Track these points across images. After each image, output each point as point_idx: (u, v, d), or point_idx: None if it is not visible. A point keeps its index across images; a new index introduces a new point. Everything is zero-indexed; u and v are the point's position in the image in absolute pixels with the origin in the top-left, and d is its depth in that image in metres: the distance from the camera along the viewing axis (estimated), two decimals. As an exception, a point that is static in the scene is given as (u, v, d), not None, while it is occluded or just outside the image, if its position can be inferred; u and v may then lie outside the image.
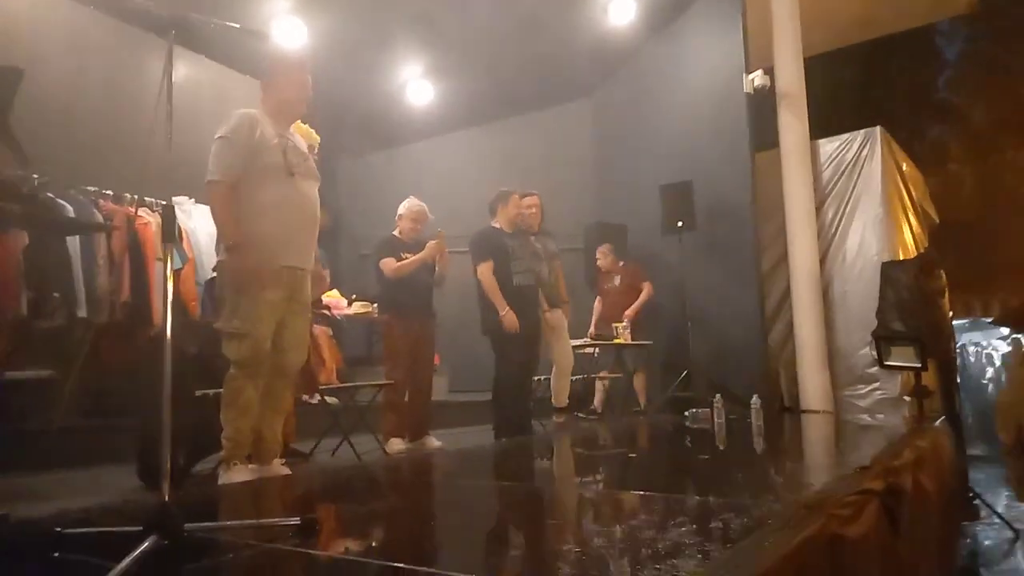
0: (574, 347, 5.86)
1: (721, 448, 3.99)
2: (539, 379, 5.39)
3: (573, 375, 6.02)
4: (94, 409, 4.33)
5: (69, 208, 4.13)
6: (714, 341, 5.94)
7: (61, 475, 3.37)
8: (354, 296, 5.77)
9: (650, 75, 7.18)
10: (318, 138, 3.60)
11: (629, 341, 5.96)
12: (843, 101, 6.20)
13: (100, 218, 4.37)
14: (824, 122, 6.08)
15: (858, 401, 5.76)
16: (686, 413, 5.13)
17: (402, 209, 4.74)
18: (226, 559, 1.68)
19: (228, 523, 1.91)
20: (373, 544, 1.90)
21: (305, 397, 4.14)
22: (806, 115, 5.94)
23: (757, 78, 5.92)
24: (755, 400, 4.64)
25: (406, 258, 4.53)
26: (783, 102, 5.94)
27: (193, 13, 1.88)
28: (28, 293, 3.79)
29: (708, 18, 6.52)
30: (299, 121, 3.37)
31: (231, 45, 5.31)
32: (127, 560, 1.42)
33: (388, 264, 4.52)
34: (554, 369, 5.24)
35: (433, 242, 4.49)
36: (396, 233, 4.72)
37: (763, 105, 5.96)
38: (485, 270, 4.58)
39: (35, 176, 3.80)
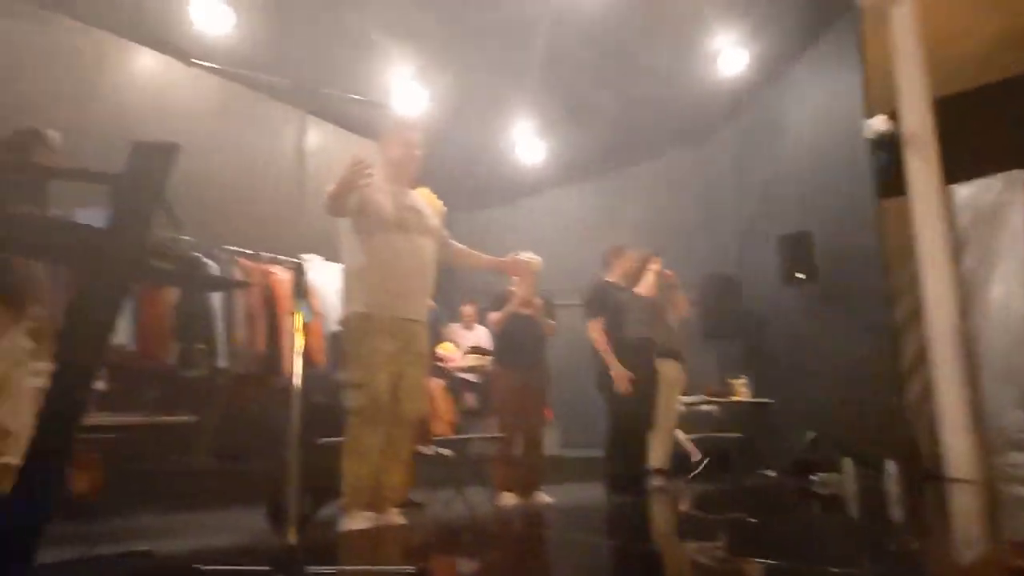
0: (689, 404, 5.69)
1: (853, 516, 3.70)
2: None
3: (691, 434, 5.83)
4: (228, 453, 4.63)
5: (215, 266, 4.52)
6: (841, 400, 5.57)
7: (198, 515, 3.60)
8: (468, 348, 5.89)
9: (762, 123, 7.05)
10: (442, 207, 3.75)
11: (748, 398, 5.71)
12: (982, 142, 5.76)
13: (240, 275, 4.74)
14: (961, 165, 5.68)
15: (1014, 469, 5.19)
16: (812, 477, 4.81)
17: (515, 265, 4.84)
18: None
19: (346, 568, 1.97)
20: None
21: (420, 448, 4.22)
22: (936, 159, 5.59)
23: (879, 123, 5.67)
24: (890, 465, 4.29)
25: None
26: (910, 147, 5.64)
27: (326, 89, 2.05)
28: (177, 344, 4.15)
29: (825, 64, 6.35)
30: (428, 190, 3.55)
31: (357, 113, 5.72)
32: (256, 598, 1.49)
33: (490, 318, 4.65)
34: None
35: (516, 292, 4.53)
36: (512, 288, 4.82)
37: (889, 150, 5.68)
38: (595, 327, 4.65)
39: (186, 237, 4.20)
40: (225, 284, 4.22)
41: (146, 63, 5.28)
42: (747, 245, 6.77)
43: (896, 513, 3.75)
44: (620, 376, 4.46)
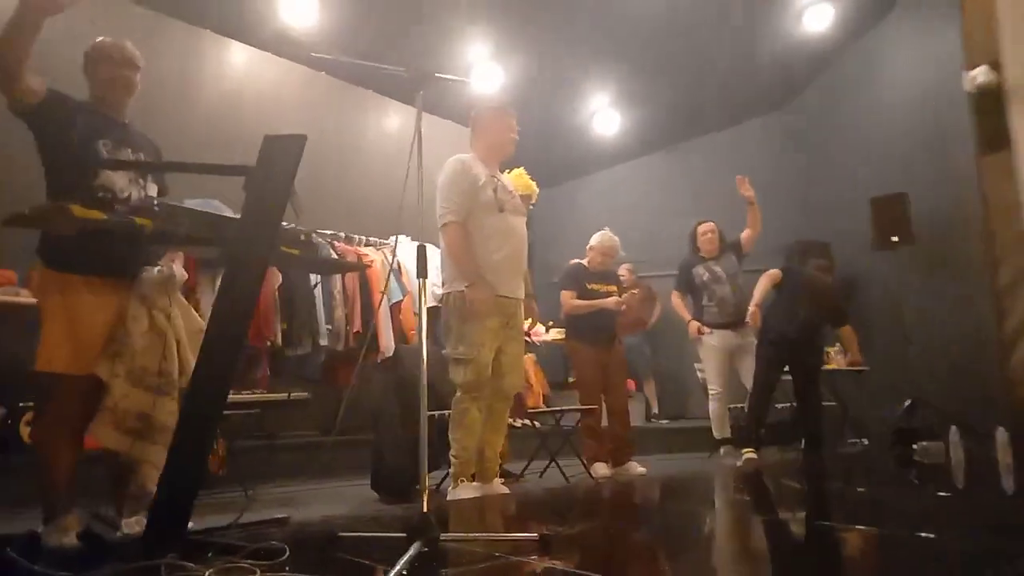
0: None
1: (957, 486, 3.57)
2: (739, 406, 5.17)
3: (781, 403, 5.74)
4: (330, 427, 4.85)
5: (328, 250, 4.72)
6: (941, 367, 5.36)
7: (310, 485, 3.81)
8: (551, 323, 5.95)
9: (849, 82, 6.75)
10: (536, 189, 3.79)
11: (842, 366, 5.57)
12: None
13: (336, 257, 4.93)
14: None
15: None
16: (914, 446, 4.67)
17: (594, 241, 4.82)
18: (478, 568, 1.83)
19: (476, 535, 2.07)
20: (608, 562, 1.96)
21: (513, 421, 4.33)
22: (1045, 110, 5.24)
23: (981, 75, 5.34)
24: (1000, 432, 4.13)
25: (591, 288, 4.63)
26: (1014, 98, 5.29)
27: (436, 73, 2.11)
28: (282, 325, 4.37)
29: (919, 14, 6.01)
30: (523, 170, 3.60)
31: (438, 95, 5.79)
32: (402, 561, 1.59)
33: (565, 298, 4.66)
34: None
35: (615, 299, 4.62)
36: (584, 262, 4.81)
37: (990, 104, 5.35)
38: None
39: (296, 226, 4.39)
40: (346, 267, 4.39)
41: (238, 56, 5.51)
42: (838, 209, 6.55)
43: (1007, 484, 3.60)
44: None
